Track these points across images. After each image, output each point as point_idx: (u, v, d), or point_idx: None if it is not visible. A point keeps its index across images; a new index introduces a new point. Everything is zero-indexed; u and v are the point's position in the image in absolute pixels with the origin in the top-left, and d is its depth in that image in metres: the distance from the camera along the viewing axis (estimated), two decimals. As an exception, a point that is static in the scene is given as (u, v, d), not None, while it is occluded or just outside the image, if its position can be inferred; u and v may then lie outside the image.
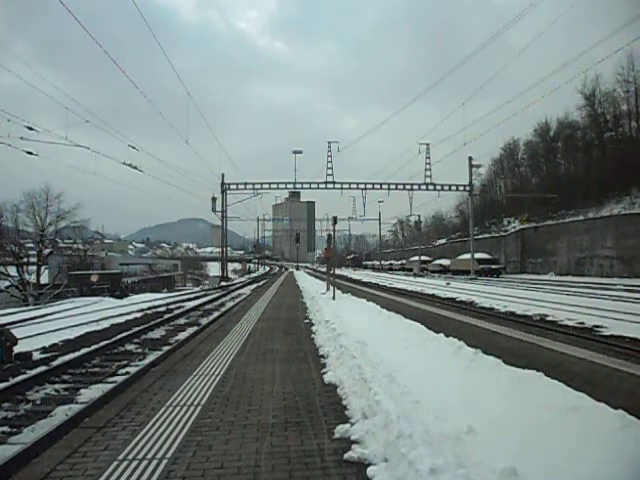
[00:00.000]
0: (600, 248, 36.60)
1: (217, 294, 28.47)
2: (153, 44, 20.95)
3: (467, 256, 43.89)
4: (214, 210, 43.57)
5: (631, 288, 20.86)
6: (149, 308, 20.10)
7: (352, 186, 42.57)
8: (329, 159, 40.48)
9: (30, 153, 19.16)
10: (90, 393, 6.87)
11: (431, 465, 2.70)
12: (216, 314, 16.76)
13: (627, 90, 42.58)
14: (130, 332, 12.17)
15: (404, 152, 44.72)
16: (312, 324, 10.25)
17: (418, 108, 45.15)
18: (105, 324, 14.52)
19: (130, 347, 10.71)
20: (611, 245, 35.48)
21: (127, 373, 8.03)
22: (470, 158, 41.08)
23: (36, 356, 9.58)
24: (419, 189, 42.26)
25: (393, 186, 42.60)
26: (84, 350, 9.87)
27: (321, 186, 41.62)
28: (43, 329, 13.19)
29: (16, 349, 9.26)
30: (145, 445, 3.59)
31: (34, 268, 41.29)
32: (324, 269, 35.08)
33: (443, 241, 71.76)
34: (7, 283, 39.22)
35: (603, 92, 44.70)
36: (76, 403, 6.44)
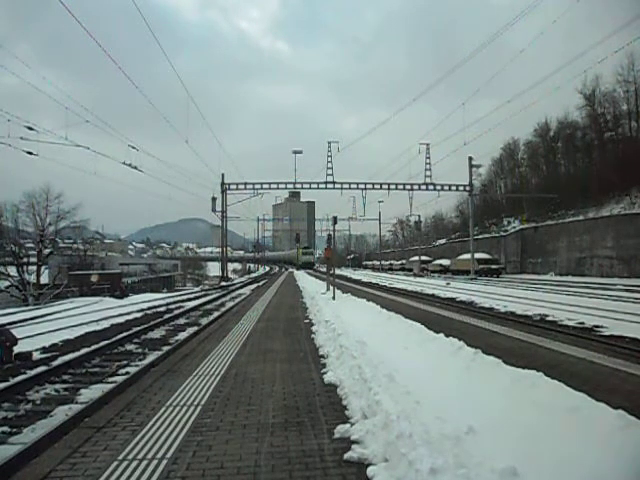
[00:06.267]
0: (600, 248, 36.59)
1: (217, 294, 28.47)
2: (154, 44, 20.80)
3: (467, 256, 43.87)
4: (214, 210, 43.57)
5: (631, 288, 20.85)
6: (149, 308, 20.10)
7: (352, 186, 42.51)
8: (329, 159, 40.46)
9: (30, 153, 19.19)
10: (90, 393, 6.87)
11: (431, 465, 2.70)
12: (216, 314, 16.75)
13: (627, 90, 42.63)
14: (130, 332, 12.18)
15: (404, 152, 44.60)
16: (312, 324, 10.25)
17: (418, 108, 45.05)
18: (105, 324, 14.52)
19: (130, 347, 10.71)
20: (611, 245, 35.47)
21: (127, 373, 8.03)
22: (470, 158, 41.04)
23: (36, 356, 9.58)
24: (419, 189, 42.22)
25: (393, 186, 42.57)
26: (84, 350, 9.87)
27: (321, 186, 41.57)
28: (43, 329, 13.19)
29: (16, 349, 9.26)
30: (145, 445, 3.59)
31: (34, 268, 41.27)
32: (324, 269, 35.06)
33: (443, 241, 71.71)
34: (7, 283, 39.19)
35: (603, 92, 44.79)
36: (76, 403, 6.44)
